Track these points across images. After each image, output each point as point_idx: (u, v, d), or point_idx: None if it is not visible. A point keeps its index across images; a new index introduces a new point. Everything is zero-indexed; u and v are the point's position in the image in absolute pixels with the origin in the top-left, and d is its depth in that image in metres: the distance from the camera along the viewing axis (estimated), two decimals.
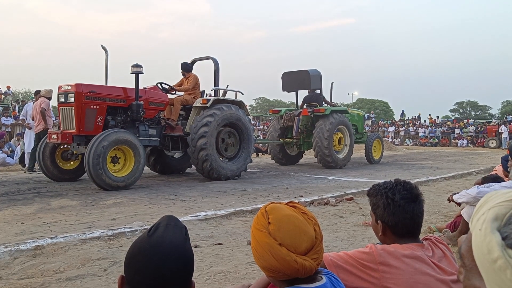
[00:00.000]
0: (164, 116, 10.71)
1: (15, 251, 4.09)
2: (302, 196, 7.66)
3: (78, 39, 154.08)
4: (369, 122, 27.22)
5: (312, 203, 7.02)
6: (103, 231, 4.92)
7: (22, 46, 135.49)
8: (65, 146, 9.51)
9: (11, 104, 24.77)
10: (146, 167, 11.09)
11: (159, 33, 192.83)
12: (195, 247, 4.31)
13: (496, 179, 4.90)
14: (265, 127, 33.03)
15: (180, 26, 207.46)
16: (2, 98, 24.92)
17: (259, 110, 69.84)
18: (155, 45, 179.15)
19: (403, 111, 46.37)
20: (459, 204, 5.11)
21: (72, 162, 9.93)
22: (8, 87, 26.05)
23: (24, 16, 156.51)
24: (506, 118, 38.07)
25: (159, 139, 10.02)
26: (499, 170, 6.43)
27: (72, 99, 8.76)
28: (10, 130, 20.58)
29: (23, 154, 13.60)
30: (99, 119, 8.98)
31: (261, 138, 23.48)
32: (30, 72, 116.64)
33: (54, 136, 9.02)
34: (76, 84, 8.78)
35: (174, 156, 11.97)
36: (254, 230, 1.61)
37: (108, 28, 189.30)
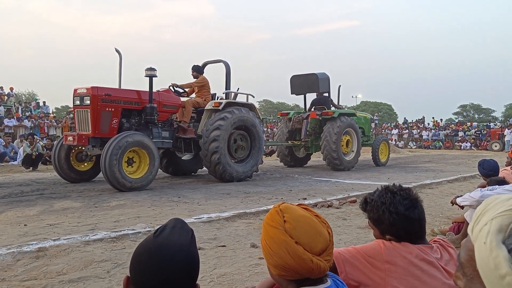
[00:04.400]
0: (176, 118, 10.79)
1: (18, 253, 4.09)
2: (305, 199, 7.65)
3: (81, 41, 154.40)
4: (372, 124, 27.18)
5: (316, 206, 7.00)
6: (106, 233, 4.92)
7: (24, 48, 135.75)
8: (79, 147, 9.65)
9: (14, 105, 24.80)
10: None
11: (162, 35, 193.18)
12: (199, 249, 4.29)
13: (500, 182, 4.87)
14: (269, 129, 33.00)
15: (184, 27, 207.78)
16: (5, 99, 24.94)
17: (263, 113, 69.68)
18: (158, 46, 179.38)
19: (405, 118, 46.15)
20: (462, 207, 5.09)
21: (86, 164, 10.08)
22: (11, 89, 26.05)
23: (25, 17, 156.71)
24: (509, 121, 38.00)
25: (172, 141, 10.15)
26: (504, 173, 6.37)
27: (88, 102, 8.91)
28: (13, 131, 20.64)
29: (26, 155, 13.63)
30: (114, 122, 9.14)
31: (265, 140, 23.48)
32: (33, 74, 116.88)
33: (70, 138, 9.16)
34: (92, 87, 8.93)
35: (183, 158, 12.08)
36: (268, 227, 1.59)
37: (111, 30, 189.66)
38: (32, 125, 21.84)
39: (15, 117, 21.85)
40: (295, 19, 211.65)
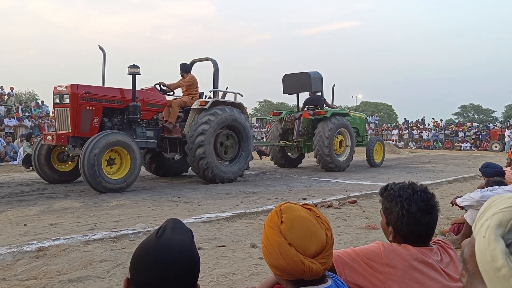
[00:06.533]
0: (162, 118, 10.61)
1: (18, 253, 4.09)
2: (305, 199, 7.64)
3: (83, 41, 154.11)
4: (372, 125, 27.28)
5: (316, 206, 6.99)
6: (106, 233, 4.92)
7: (26, 48, 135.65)
8: (61, 147, 9.44)
9: (15, 105, 24.80)
10: (143, 170, 11.10)
11: (163, 35, 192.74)
12: (198, 249, 4.30)
13: (499, 183, 4.88)
14: (269, 129, 32.97)
15: (184, 28, 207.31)
16: (6, 99, 24.96)
17: (262, 113, 69.78)
18: (159, 46, 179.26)
19: (405, 118, 46.16)
20: (462, 207, 5.10)
21: (68, 164, 9.85)
22: (12, 88, 26.07)
23: (27, 17, 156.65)
24: (509, 121, 38.01)
25: (156, 141, 9.91)
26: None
27: (68, 100, 8.67)
28: (13, 131, 20.64)
29: (26, 155, 13.64)
30: (95, 121, 8.90)
31: (265, 140, 23.45)
32: (33, 74, 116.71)
33: (49, 137, 8.95)
34: (71, 85, 8.70)
35: (175, 158, 11.84)
36: (266, 227, 1.61)
37: (112, 30, 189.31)
38: (32, 124, 21.85)
39: (15, 117, 21.86)
40: (296, 20, 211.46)
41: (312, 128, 14.17)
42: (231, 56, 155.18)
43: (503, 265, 0.82)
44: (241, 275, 3.78)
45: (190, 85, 10.79)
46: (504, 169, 6.66)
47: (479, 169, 5.81)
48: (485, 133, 36.28)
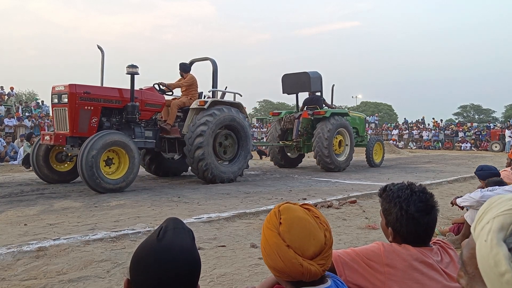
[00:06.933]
0: (161, 117, 10.59)
1: (18, 252, 4.09)
2: (305, 199, 7.64)
3: (83, 41, 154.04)
4: (372, 125, 27.29)
5: (316, 206, 6.99)
6: (106, 232, 4.92)
7: (26, 48, 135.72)
8: (60, 147, 9.39)
9: (15, 105, 24.79)
10: (143, 170, 11.09)
11: (163, 35, 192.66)
12: (199, 249, 4.29)
13: (498, 183, 4.88)
14: (268, 129, 32.95)
15: (184, 28, 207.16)
16: (6, 99, 24.96)
17: (263, 113, 69.80)
18: (159, 46, 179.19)
19: (405, 118, 46.14)
20: (462, 207, 5.10)
21: (66, 164, 9.81)
22: (12, 88, 26.07)
23: (27, 17, 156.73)
24: (509, 121, 38.02)
25: (155, 141, 9.88)
26: (504, 174, 6.36)
27: (66, 100, 8.64)
28: (13, 131, 20.64)
29: (26, 155, 13.64)
30: (93, 120, 8.86)
31: (265, 140, 23.46)
32: (33, 74, 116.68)
33: (47, 137, 8.93)
34: (69, 85, 8.66)
35: (174, 158, 11.72)
36: (264, 229, 1.61)
37: (112, 30, 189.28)
38: (32, 124, 21.85)
39: (15, 116, 21.85)
40: (296, 20, 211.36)
41: (311, 128, 14.16)
42: (231, 56, 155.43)
43: (507, 270, 0.81)
44: (241, 275, 3.78)
45: (189, 85, 10.74)
46: (504, 169, 6.69)
47: (474, 173, 5.83)
48: (485, 133, 36.29)
